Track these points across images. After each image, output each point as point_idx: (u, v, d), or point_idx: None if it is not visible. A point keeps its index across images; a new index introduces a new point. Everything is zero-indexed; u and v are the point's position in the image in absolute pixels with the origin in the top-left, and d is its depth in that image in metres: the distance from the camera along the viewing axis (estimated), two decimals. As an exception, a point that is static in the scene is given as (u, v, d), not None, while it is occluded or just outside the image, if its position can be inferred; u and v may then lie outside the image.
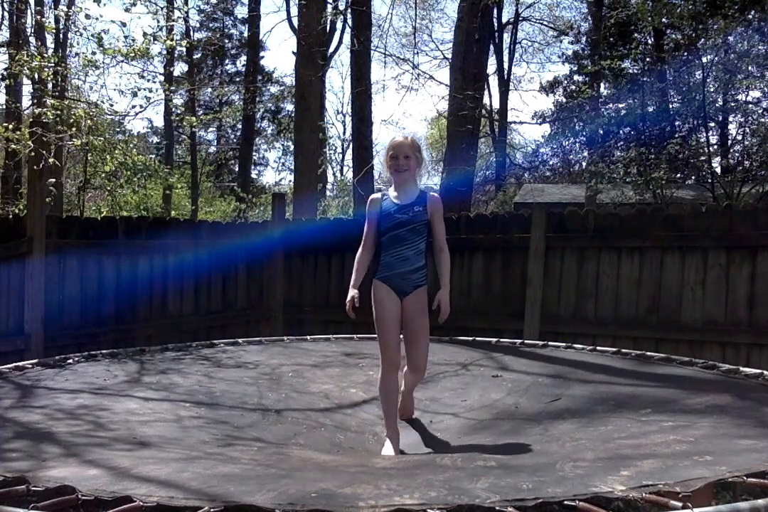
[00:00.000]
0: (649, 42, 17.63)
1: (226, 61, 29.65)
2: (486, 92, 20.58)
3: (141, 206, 12.34)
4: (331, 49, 19.63)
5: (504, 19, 23.63)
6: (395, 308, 2.93)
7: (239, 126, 27.03)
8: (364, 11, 10.12)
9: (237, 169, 27.05)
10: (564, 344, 4.67)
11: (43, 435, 2.47)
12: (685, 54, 13.73)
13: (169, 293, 5.97)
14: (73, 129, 6.62)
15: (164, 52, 9.40)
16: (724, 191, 11.03)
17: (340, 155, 30.68)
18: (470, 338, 5.06)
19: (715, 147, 14.10)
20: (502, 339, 4.94)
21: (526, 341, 4.89)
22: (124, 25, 7.08)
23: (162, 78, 13.22)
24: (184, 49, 19.22)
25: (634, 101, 13.54)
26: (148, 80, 10.93)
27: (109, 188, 9.61)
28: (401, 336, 3.04)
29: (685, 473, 1.85)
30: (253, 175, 29.55)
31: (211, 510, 1.66)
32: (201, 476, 1.98)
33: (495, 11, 18.69)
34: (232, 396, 3.40)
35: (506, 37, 24.73)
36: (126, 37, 7.33)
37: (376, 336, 3.02)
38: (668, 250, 5.42)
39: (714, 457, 2.01)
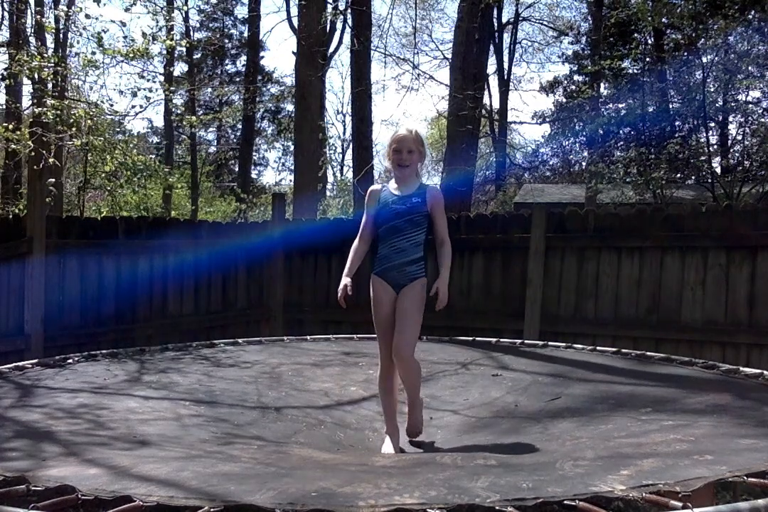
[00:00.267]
0: (649, 42, 17.62)
1: (226, 61, 29.67)
2: (486, 92, 20.58)
3: (141, 206, 12.33)
4: (331, 49, 19.65)
5: (504, 19, 23.65)
6: (389, 306, 2.89)
7: (239, 126, 27.04)
8: (364, 11, 10.13)
9: (237, 169, 27.05)
10: (564, 344, 4.67)
11: (43, 435, 2.47)
12: (685, 54, 13.73)
13: (169, 293, 5.97)
14: (73, 129, 6.62)
15: (164, 52, 9.38)
16: (724, 191, 11.03)
17: (340, 155, 30.72)
18: (470, 338, 5.06)
19: (715, 147, 14.10)
20: (502, 339, 4.94)
21: (526, 341, 4.90)
22: (123, 24, 7.10)
23: (162, 78, 13.21)
24: (184, 49, 19.21)
25: (634, 101, 13.53)
26: (148, 80, 10.95)
27: (109, 188, 9.60)
28: None
29: (685, 472, 1.85)
30: (253, 175, 29.58)
31: (211, 509, 1.66)
32: (201, 475, 1.99)
33: (495, 11, 18.69)
34: (232, 395, 3.40)
35: (506, 37, 24.75)
36: (125, 37, 7.34)
37: (375, 335, 3.02)
38: (668, 249, 5.42)
39: (714, 457, 2.01)
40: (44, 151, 5.10)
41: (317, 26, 9.77)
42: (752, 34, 11.99)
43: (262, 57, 28.49)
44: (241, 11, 27.41)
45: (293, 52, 11.78)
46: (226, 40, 28.54)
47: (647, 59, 16.18)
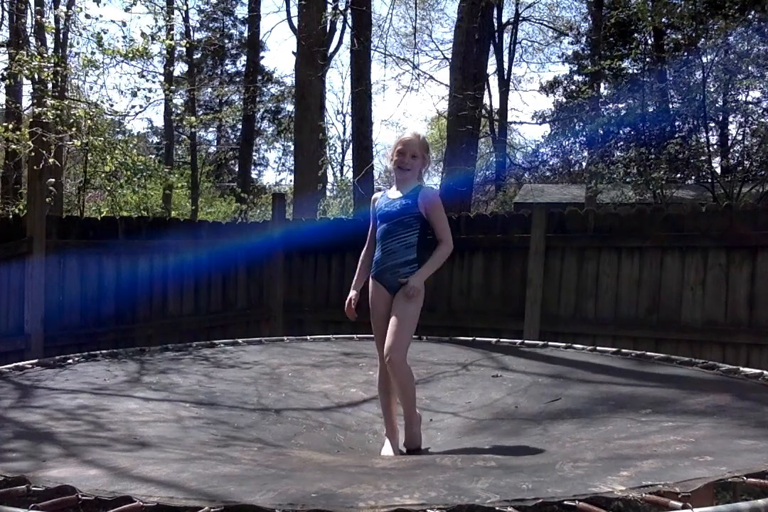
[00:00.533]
0: (649, 42, 17.62)
1: (226, 61, 29.68)
2: (486, 92, 20.59)
3: (141, 206, 12.32)
4: (331, 49, 19.65)
5: (504, 19, 23.66)
6: (385, 308, 2.89)
7: (239, 126, 27.05)
8: (364, 11, 10.13)
9: (237, 169, 27.05)
10: (564, 344, 4.67)
11: (43, 435, 2.47)
12: (685, 54, 13.72)
13: (169, 293, 5.97)
14: (73, 129, 6.62)
15: (164, 51, 9.38)
16: (724, 191, 11.02)
17: (340, 155, 30.73)
18: (470, 338, 5.05)
19: (715, 147, 14.09)
20: (502, 340, 4.94)
21: (526, 341, 4.90)
22: (124, 25, 7.09)
23: (162, 78, 13.20)
24: (184, 49, 19.21)
25: (634, 101, 13.53)
26: (148, 80, 10.93)
27: (109, 188, 9.61)
28: None
29: (685, 473, 1.85)
30: (253, 175, 29.59)
31: (211, 510, 1.66)
32: (201, 476, 1.98)
33: (495, 11, 18.69)
34: (232, 396, 3.40)
35: (506, 37, 24.76)
36: (125, 37, 7.34)
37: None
38: (668, 250, 5.42)
39: (714, 457, 2.01)
40: (44, 151, 5.10)
41: (317, 26, 9.78)
42: (752, 34, 11.99)
43: (262, 57, 28.54)
44: (241, 11, 27.45)
45: (293, 52, 11.79)
46: (226, 40, 28.55)
47: (647, 59, 16.17)
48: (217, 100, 27.69)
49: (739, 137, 14.00)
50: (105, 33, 6.97)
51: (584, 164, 17.09)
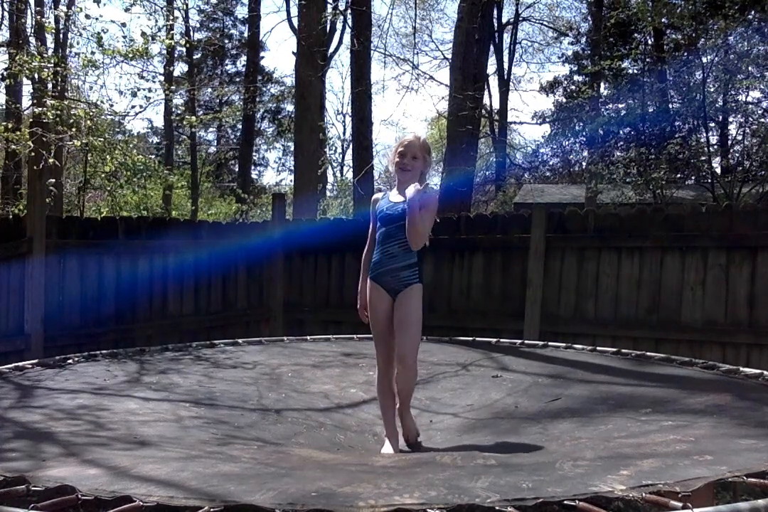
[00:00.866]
0: (649, 42, 17.63)
1: (226, 61, 29.69)
2: (486, 92, 20.57)
3: (141, 206, 12.33)
4: (331, 49, 19.66)
5: (504, 20, 23.66)
6: (385, 311, 2.90)
7: (239, 126, 27.05)
8: (364, 11, 10.12)
9: (237, 170, 27.05)
10: (564, 344, 4.67)
11: (43, 435, 2.47)
12: (685, 54, 13.73)
13: (169, 293, 5.97)
14: (73, 129, 6.62)
15: (164, 51, 9.40)
16: (724, 191, 11.02)
17: (340, 155, 30.71)
18: (470, 338, 5.05)
19: (715, 147, 14.10)
20: (502, 340, 4.93)
21: (526, 341, 4.89)
22: (123, 25, 7.10)
23: (162, 78, 13.19)
24: (184, 49, 19.23)
25: (634, 101, 13.53)
26: (148, 80, 10.95)
27: (109, 188, 9.61)
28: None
29: (685, 473, 1.85)
30: (253, 176, 29.58)
31: (211, 509, 1.66)
32: (201, 475, 1.98)
33: (495, 11, 18.70)
34: (232, 396, 3.40)
35: (506, 38, 24.76)
36: (125, 37, 7.34)
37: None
38: (668, 250, 5.42)
39: (714, 457, 2.01)
40: (44, 151, 5.10)
41: (317, 26, 9.77)
42: (752, 34, 11.98)
43: (262, 57, 28.54)
44: (241, 11, 27.46)
45: (293, 52, 11.79)
46: (226, 40, 28.56)
47: (647, 59, 16.19)
48: (217, 100, 27.70)
49: (739, 137, 14.03)
50: (105, 33, 6.99)
51: (584, 164, 17.10)
